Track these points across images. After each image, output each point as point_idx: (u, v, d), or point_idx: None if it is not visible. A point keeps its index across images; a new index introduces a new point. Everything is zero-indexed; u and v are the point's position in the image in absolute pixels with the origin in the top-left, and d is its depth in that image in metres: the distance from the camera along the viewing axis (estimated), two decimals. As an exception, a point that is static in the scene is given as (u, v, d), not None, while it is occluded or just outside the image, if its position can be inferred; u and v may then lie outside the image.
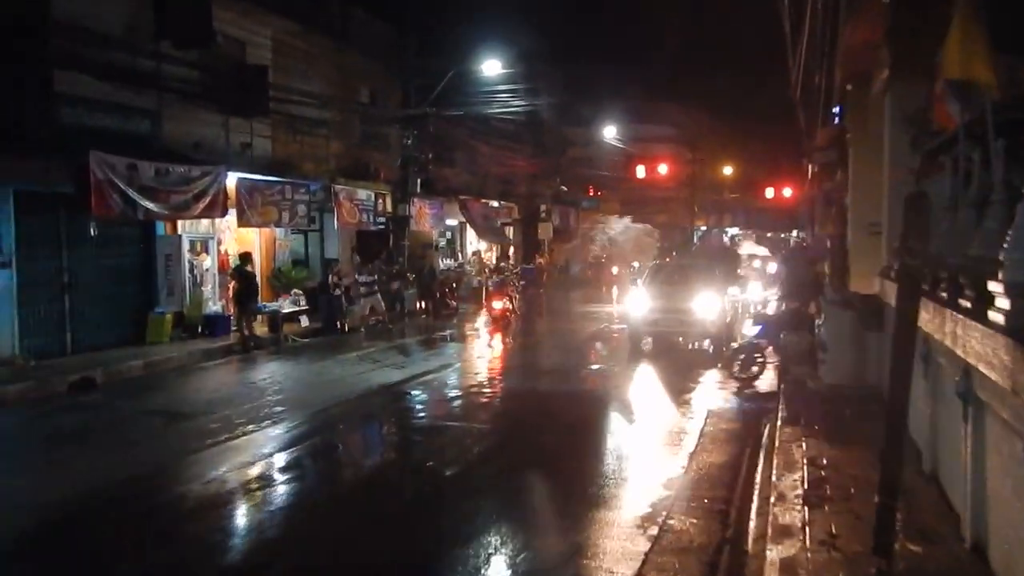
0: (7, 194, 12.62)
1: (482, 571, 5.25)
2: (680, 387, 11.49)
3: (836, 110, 13.68)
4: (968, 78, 4.65)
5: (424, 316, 21.51)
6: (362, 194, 21.18)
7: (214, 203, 15.47)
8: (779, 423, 8.06)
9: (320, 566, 5.50)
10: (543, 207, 35.55)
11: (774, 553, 4.69)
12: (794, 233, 50.92)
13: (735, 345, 11.83)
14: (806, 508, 5.41)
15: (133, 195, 13.60)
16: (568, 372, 13.34)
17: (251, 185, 16.92)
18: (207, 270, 16.80)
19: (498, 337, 17.32)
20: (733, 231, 61.60)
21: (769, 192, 46.91)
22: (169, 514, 6.47)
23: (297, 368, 13.72)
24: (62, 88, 13.07)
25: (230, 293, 16.20)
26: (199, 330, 15.78)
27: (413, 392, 11.54)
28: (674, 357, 14.22)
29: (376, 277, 19.36)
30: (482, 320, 20.89)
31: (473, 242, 30.52)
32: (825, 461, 6.52)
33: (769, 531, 5.05)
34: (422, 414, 10.69)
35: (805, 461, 6.54)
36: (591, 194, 42.62)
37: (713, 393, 11.18)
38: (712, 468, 7.50)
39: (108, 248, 14.54)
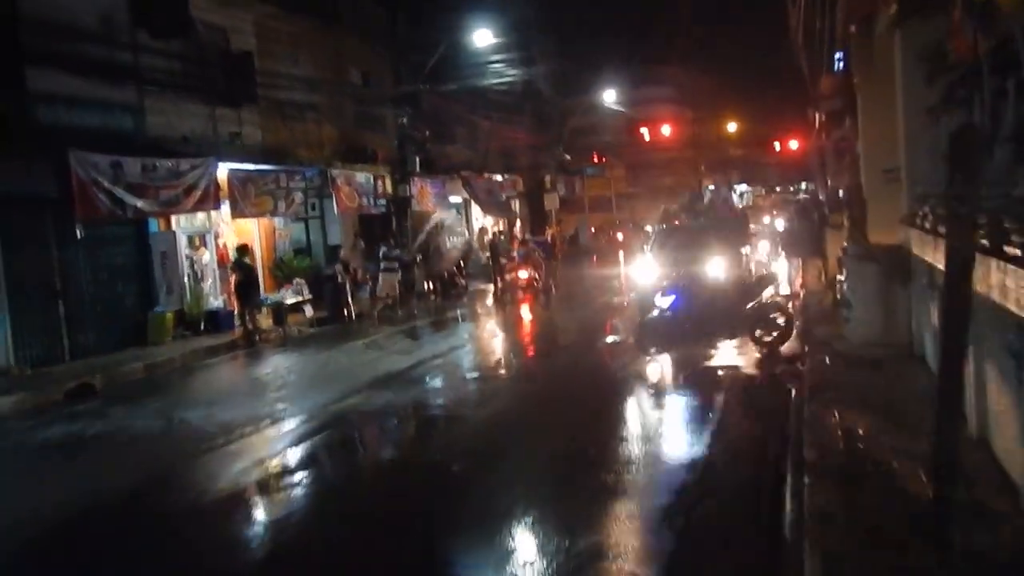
0: (-12, 199, 12.18)
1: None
2: (699, 356, 10.97)
3: (839, 56, 13.05)
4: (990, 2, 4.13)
5: (433, 297, 21.05)
6: (360, 177, 20.67)
7: (206, 196, 15.08)
8: (807, 391, 7.57)
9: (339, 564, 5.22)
10: (547, 178, 34.98)
11: (813, 545, 4.20)
12: (803, 185, 50.00)
13: (748, 309, 11.31)
14: (845, 487, 4.92)
15: (120, 193, 13.23)
16: (582, 347, 12.89)
17: (243, 175, 16.45)
18: (206, 264, 16.42)
19: (525, 307, 16.90)
20: (742, 187, 60.75)
21: (776, 146, 46.17)
22: (172, 521, 6.08)
23: (302, 360, 13.28)
24: (36, 86, 12.59)
25: (231, 287, 15.78)
26: (202, 327, 15.41)
27: (426, 377, 11.11)
28: (688, 325, 13.65)
29: (399, 252, 18.95)
30: (491, 297, 20.57)
31: (479, 218, 29.99)
32: (861, 432, 6.02)
33: (807, 518, 4.57)
34: (439, 400, 10.22)
35: (840, 433, 6.04)
36: (596, 161, 42.05)
37: (733, 359, 10.66)
38: (740, 444, 6.99)
39: (100, 249, 14.14)
